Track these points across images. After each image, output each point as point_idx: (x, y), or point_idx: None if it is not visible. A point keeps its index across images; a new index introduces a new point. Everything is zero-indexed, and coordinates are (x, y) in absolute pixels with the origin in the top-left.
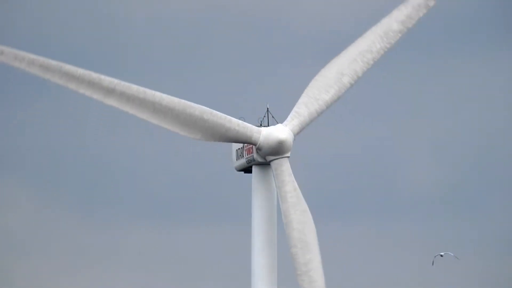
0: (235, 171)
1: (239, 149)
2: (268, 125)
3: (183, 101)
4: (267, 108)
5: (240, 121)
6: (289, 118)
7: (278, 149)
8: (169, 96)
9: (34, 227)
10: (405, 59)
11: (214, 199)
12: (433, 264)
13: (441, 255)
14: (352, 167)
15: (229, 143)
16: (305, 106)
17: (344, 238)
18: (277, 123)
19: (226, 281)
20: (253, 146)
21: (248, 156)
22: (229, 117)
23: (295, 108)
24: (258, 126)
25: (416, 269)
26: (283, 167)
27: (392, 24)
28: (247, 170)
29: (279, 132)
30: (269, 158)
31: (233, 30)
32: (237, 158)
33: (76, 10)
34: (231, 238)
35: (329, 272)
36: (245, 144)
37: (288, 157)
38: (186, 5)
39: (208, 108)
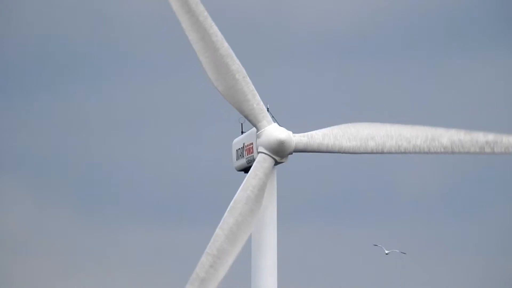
0: (235, 171)
1: (239, 149)
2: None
3: (230, 50)
4: (267, 108)
5: (261, 103)
6: (301, 134)
7: (272, 146)
8: (222, 38)
9: (33, 227)
10: (406, 59)
11: (214, 199)
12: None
13: (387, 253)
14: (352, 167)
15: (230, 142)
16: (322, 137)
17: (344, 240)
18: (277, 123)
19: (225, 282)
20: (253, 145)
21: (248, 156)
22: (255, 92)
23: (312, 132)
24: None
25: (416, 269)
26: (265, 164)
27: (444, 137)
28: (247, 170)
29: (283, 133)
30: (260, 149)
31: (233, 30)
32: (237, 158)
33: (76, 8)
34: None
35: (331, 273)
36: (245, 144)
37: (276, 161)
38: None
39: (245, 72)
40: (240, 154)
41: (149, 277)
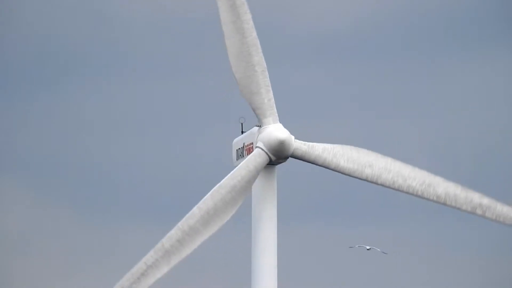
0: None
1: (239, 148)
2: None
3: (257, 41)
4: None
5: (273, 100)
6: (302, 142)
7: (271, 144)
8: (253, 27)
9: (33, 227)
10: (406, 59)
11: None
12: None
13: (368, 249)
14: None
15: (230, 142)
16: (322, 150)
17: (344, 240)
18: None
19: (225, 282)
20: (253, 145)
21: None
22: (270, 88)
23: (314, 143)
24: (258, 126)
25: (416, 270)
26: (259, 159)
27: (440, 187)
28: None
29: (284, 134)
30: (259, 144)
31: None
32: (237, 158)
33: (76, 8)
34: (230, 239)
35: (331, 273)
36: (246, 144)
37: (271, 161)
38: (185, 4)
39: (265, 66)
40: (240, 154)
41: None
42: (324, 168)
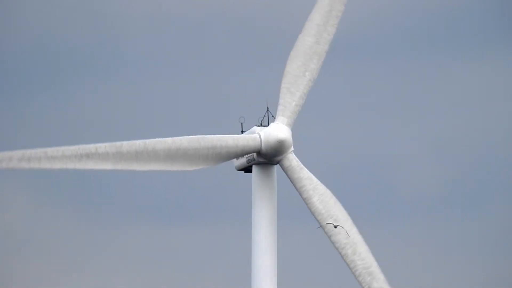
0: (235, 170)
1: None
2: (268, 125)
3: (324, 53)
4: (267, 108)
5: (300, 107)
6: (297, 159)
7: (269, 139)
8: (330, 41)
9: (33, 227)
10: (406, 59)
11: (214, 199)
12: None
13: (335, 226)
14: (352, 167)
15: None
16: (306, 178)
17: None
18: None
19: (225, 282)
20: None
21: (248, 155)
22: (305, 96)
23: (305, 167)
24: (258, 126)
25: (418, 270)
26: (251, 143)
27: (377, 283)
28: (247, 169)
29: (284, 135)
30: (261, 132)
31: (233, 29)
32: (237, 158)
33: (76, 8)
34: (231, 239)
35: (330, 274)
36: None
37: (260, 153)
38: (185, 4)
39: (315, 76)
40: None
41: (149, 277)
42: (323, 169)
